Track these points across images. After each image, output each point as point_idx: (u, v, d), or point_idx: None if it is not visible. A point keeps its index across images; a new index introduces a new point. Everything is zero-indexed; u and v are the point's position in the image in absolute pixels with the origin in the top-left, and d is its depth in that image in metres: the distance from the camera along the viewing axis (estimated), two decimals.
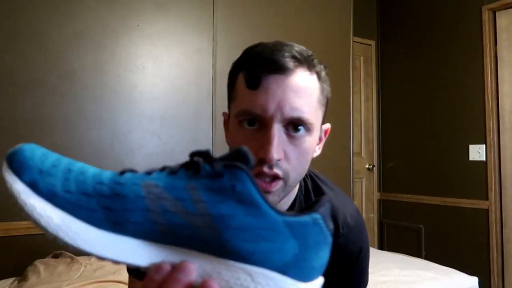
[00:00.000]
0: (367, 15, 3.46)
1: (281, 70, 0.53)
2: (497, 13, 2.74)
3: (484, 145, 2.74)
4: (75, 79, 1.84)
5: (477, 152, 2.78)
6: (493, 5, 2.72)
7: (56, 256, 1.66)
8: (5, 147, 1.77)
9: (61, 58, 1.82)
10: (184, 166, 0.31)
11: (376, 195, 3.46)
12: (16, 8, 1.73)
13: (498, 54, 2.72)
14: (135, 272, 0.64)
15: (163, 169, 0.31)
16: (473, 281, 1.88)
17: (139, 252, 0.28)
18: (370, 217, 3.40)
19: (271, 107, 0.52)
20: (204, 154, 0.30)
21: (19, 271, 1.60)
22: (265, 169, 0.51)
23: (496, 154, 2.71)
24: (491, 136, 2.71)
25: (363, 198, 3.38)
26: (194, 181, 0.29)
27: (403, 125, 3.32)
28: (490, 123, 2.71)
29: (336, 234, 0.65)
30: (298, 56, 0.55)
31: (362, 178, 3.38)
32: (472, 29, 2.83)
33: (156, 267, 0.29)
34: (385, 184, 3.47)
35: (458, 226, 2.87)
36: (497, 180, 2.69)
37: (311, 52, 0.58)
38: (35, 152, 0.31)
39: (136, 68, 2.00)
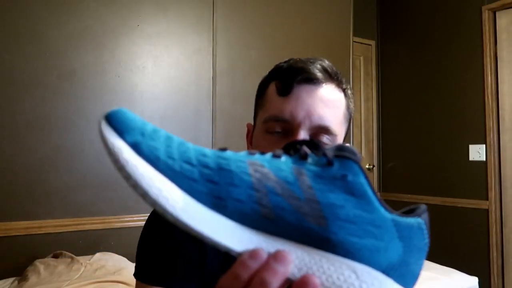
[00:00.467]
0: (367, 15, 3.46)
1: (312, 80, 0.56)
2: (497, 13, 2.74)
3: (484, 145, 2.74)
4: (75, 79, 1.84)
5: (477, 152, 2.78)
6: (493, 5, 2.72)
7: (56, 256, 1.66)
8: (5, 147, 1.78)
9: (61, 58, 1.82)
10: (286, 150, 0.30)
11: None
12: (16, 8, 1.73)
13: (498, 54, 2.72)
14: (145, 276, 0.61)
15: (262, 152, 0.30)
16: (473, 281, 1.88)
17: (236, 235, 0.26)
18: None
19: (300, 114, 0.54)
20: (309, 143, 0.29)
21: (19, 271, 1.60)
22: None
23: (496, 154, 2.71)
24: (491, 136, 2.70)
25: None
26: (301, 167, 0.28)
27: (403, 125, 3.32)
28: (490, 123, 2.71)
29: None
30: (329, 70, 0.58)
31: None
32: (472, 29, 2.83)
33: (253, 253, 0.26)
34: (385, 184, 3.46)
35: (458, 226, 2.87)
36: (497, 180, 2.69)
37: (339, 71, 0.62)
38: (136, 116, 0.29)
39: (136, 68, 2.00)
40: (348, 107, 0.61)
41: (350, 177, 0.28)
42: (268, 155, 0.29)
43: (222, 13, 2.24)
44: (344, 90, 0.61)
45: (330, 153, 0.29)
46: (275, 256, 0.26)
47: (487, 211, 2.70)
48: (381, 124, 3.51)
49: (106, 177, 1.88)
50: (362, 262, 0.26)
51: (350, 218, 0.27)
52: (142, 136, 0.27)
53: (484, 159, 2.74)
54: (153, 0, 2.04)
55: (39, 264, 1.53)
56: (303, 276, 0.26)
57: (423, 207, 0.32)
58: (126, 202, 1.93)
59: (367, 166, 3.41)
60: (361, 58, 3.43)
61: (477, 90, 2.80)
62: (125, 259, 1.75)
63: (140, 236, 0.67)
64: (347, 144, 0.30)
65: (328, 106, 0.56)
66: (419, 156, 3.17)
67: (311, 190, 0.27)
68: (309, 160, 0.29)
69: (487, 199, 2.70)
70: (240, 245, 0.26)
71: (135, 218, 1.95)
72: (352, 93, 0.64)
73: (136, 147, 0.27)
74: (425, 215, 0.31)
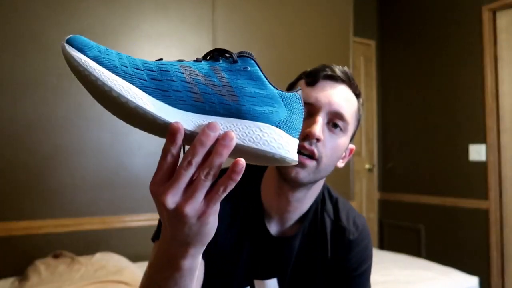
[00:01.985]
0: (367, 15, 3.46)
1: (334, 77, 0.70)
2: (497, 13, 2.74)
3: (484, 145, 2.74)
4: (75, 79, 1.84)
5: (477, 152, 2.78)
6: (493, 5, 2.72)
7: (56, 256, 1.66)
8: (5, 147, 1.78)
9: (61, 58, 1.82)
10: (204, 58, 0.42)
11: (376, 195, 3.46)
12: (16, 8, 1.73)
13: (498, 54, 2.72)
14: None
15: (194, 60, 0.42)
16: (473, 281, 1.88)
17: (182, 117, 0.38)
18: (370, 217, 3.40)
19: (323, 99, 0.68)
20: (218, 51, 0.42)
21: (19, 271, 1.60)
22: (306, 144, 0.65)
23: (496, 154, 2.71)
24: (491, 136, 2.71)
25: (363, 198, 3.39)
26: (216, 65, 0.41)
27: (403, 125, 3.32)
28: (490, 123, 2.71)
29: (342, 227, 0.78)
30: (348, 74, 0.72)
31: (362, 178, 3.38)
32: (472, 29, 2.83)
33: (210, 125, 0.37)
34: (385, 184, 3.47)
35: (458, 226, 2.87)
36: (497, 180, 2.69)
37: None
38: (90, 41, 0.39)
39: None
40: (358, 109, 0.73)
41: (249, 68, 0.41)
42: (191, 61, 0.41)
43: (222, 13, 2.24)
44: (357, 95, 0.73)
45: (234, 55, 0.41)
46: (208, 126, 0.37)
47: (487, 211, 2.70)
48: (381, 124, 3.51)
49: (106, 177, 1.89)
50: (263, 121, 0.40)
51: (252, 94, 0.40)
52: (99, 52, 0.37)
53: (484, 159, 2.74)
54: (153, 0, 2.04)
55: (40, 264, 1.53)
56: (224, 132, 0.37)
57: (299, 88, 0.47)
58: (126, 202, 1.93)
59: (367, 166, 3.41)
60: (361, 58, 3.43)
61: (477, 90, 2.80)
62: (125, 259, 1.75)
63: None
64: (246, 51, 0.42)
65: (344, 99, 0.69)
66: (419, 156, 3.17)
67: (225, 79, 0.40)
68: (221, 61, 0.41)
69: (487, 199, 2.71)
70: (187, 125, 0.38)
71: (135, 218, 1.95)
72: (363, 103, 0.77)
73: (97, 60, 0.36)
74: (300, 91, 0.44)
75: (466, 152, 2.84)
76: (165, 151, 0.37)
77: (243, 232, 0.74)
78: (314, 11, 2.57)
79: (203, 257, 0.66)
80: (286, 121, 0.41)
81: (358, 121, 0.75)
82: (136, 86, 0.37)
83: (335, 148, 0.69)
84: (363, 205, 3.37)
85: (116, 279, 1.43)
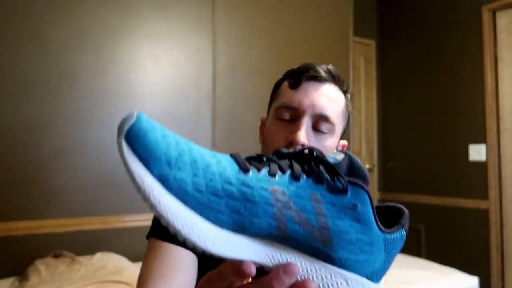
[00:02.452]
0: (367, 15, 3.46)
1: (317, 78, 0.68)
2: (497, 13, 2.74)
3: (484, 145, 2.74)
4: (75, 79, 1.84)
5: (477, 152, 2.78)
6: (493, 5, 2.72)
7: (56, 256, 1.66)
8: (5, 147, 1.78)
9: (61, 58, 1.82)
10: (305, 172, 0.32)
11: (376, 195, 3.46)
12: (16, 8, 1.73)
13: (498, 54, 2.72)
14: (159, 233, 0.63)
15: (281, 170, 0.32)
16: (473, 281, 1.88)
17: (255, 251, 0.29)
18: None
19: (306, 103, 0.66)
20: (323, 162, 0.32)
21: (19, 271, 1.60)
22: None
23: (496, 154, 2.71)
24: (491, 136, 2.71)
25: None
26: (318, 193, 0.31)
27: (403, 125, 3.32)
28: (490, 123, 2.71)
29: None
30: (333, 73, 0.70)
31: None
32: (472, 29, 2.83)
33: (289, 269, 0.29)
34: (385, 184, 3.47)
35: (458, 226, 2.87)
36: (497, 180, 2.69)
37: (341, 75, 0.73)
38: (156, 132, 0.27)
39: (136, 68, 2.00)
40: (346, 107, 0.71)
41: (359, 207, 0.31)
42: (287, 176, 0.31)
43: (222, 13, 2.24)
44: (344, 92, 0.71)
45: (343, 180, 0.31)
46: (285, 269, 0.29)
47: (487, 211, 2.70)
48: (381, 124, 3.51)
49: (106, 177, 1.88)
50: (353, 271, 0.32)
51: (353, 242, 0.31)
52: (168, 166, 0.26)
53: (484, 159, 2.74)
54: (153, 0, 2.04)
55: (40, 264, 1.53)
56: (303, 280, 0.30)
57: (406, 214, 0.36)
58: (126, 202, 1.93)
59: (367, 166, 3.41)
60: (361, 58, 3.43)
61: (477, 90, 2.80)
62: (125, 259, 1.75)
63: None
64: (357, 160, 0.34)
65: (329, 100, 0.67)
66: (419, 156, 3.17)
67: (324, 218, 0.30)
68: (326, 185, 0.31)
69: (487, 199, 2.70)
70: (259, 258, 0.30)
71: (135, 218, 1.95)
72: (352, 97, 0.74)
73: (165, 182, 0.26)
74: (407, 223, 0.34)
75: (466, 152, 2.84)
76: (222, 271, 0.31)
77: None
78: (314, 11, 2.57)
79: (199, 259, 0.65)
80: (381, 269, 0.33)
81: (348, 117, 0.73)
82: (210, 221, 0.28)
83: (322, 150, 0.67)
84: None
85: (116, 279, 1.43)
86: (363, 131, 3.42)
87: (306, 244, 0.30)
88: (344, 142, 0.76)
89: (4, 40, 1.70)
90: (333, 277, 0.31)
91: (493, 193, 2.68)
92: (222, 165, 0.29)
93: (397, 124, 3.38)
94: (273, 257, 0.30)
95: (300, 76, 0.68)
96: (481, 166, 2.75)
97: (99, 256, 1.68)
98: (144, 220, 1.95)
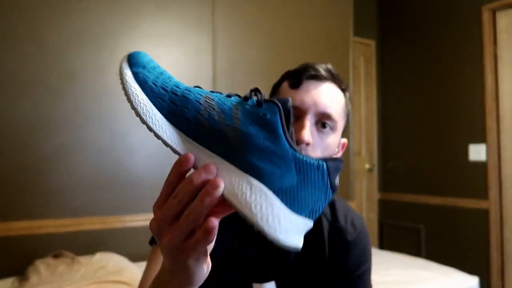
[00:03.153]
0: (367, 15, 3.46)
1: (318, 77, 0.69)
2: (497, 13, 2.74)
3: (484, 145, 2.74)
4: (75, 79, 1.84)
5: (477, 152, 2.78)
6: (493, 5, 2.72)
7: (56, 256, 1.66)
8: (5, 147, 1.78)
9: (61, 58, 1.82)
10: (240, 95, 0.40)
11: (376, 195, 3.46)
12: (16, 8, 1.73)
13: (498, 54, 2.72)
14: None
15: (227, 95, 0.40)
16: (473, 280, 1.88)
17: (181, 143, 0.37)
18: (370, 217, 3.40)
19: (308, 101, 0.67)
20: (259, 91, 0.39)
21: (19, 271, 1.60)
22: None
23: (496, 154, 2.71)
24: (491, 136, 2.71)
25: (363, 198, 3.38)
26: (239, 105, 0.37)
27: (403, 125, 3.32)
28: (490, 123, 2.71)
29: (340, 228, 0.77)
30: (332, 71, 0.71)
31: (362, 178, 3.38)
32: (472, 29, 2.83)
33: (186, 156, 0.35)
34: (385, 184, 3.47)
35: (458, 226, 2.87)
36: (497, 180, 2.69)
37: (340, 74, 0.74)
38: (147, 57, 0.42)
39: None
40: (346, 105, 0.73)
41: (268, 116, 0.36)
42: (224, 94, 0.40)
43: (222, 13, 2.24)
44: (343, 90, 0.73)
45: (263, 98, 0.38)
46: (205, 167, 0.35)
47: (487, 211, 2.70)
48: (381, 124, 3.51)
49: (106, 177, 1.89)
50: (259, 180, 0.34)
51: (260, 147, 0.35)
52: (143, 69, 0.41)
53: (484, 159, 2.74)
54: (153, 0, 2.04)
55: (40, 264, 1.53)
56: (215, 178, 0.34)
57: (340, 159, 0.37)
58: (126, 202, 1.93)
59: (367, 166, 3.41)
60: (361, 58, 3.43)
61: (477, 90, 2.80)
62: (125, 259, 1.75)
63: None
64: (289, 98, 0.38)
65: (331, 98, 0.69)
66: (419, 156, 3.17)
67: (238, 121, 0.36)
68: (249, 101, 0.38)
69: (487, 199, 2.71)
70: (184, 151, 0.37)
71: (135, 218, 1.95)
72: (351, 96, 0.74)
73: (136, 75, 0.40)
74: (334, 163, 0.36)
75: (466, 152, 2.84)
76: (168, 177, 0.36)
77: (237, 234, 0.73)
78: (314, 11, 2.57)
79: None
80: (289, 191, 0.34)
81: (347, 115, 0.74)
82: (156, 107, 0.39)
83: (326, 148, 0.68)
84: (363, 205, 3.37)
85: (116, 279, 1.43)
86: (363, 130, 3.42)
87: (224, 144, 0.36)
88: (344, 140, 0.76)
89: (4, 40, 1.70)
90: (239, 180, 0.34)
91: (493, 193, 2.68)
92: (183, 84, 0.41)
93: (397, 124, 3.38)
94: (198, 156, 0.36)
95: (301, 75, 0.69)
96: (481, 166, 2.75)
97: (99, 256, 1.68)
98: (144, 220, 1.95)
